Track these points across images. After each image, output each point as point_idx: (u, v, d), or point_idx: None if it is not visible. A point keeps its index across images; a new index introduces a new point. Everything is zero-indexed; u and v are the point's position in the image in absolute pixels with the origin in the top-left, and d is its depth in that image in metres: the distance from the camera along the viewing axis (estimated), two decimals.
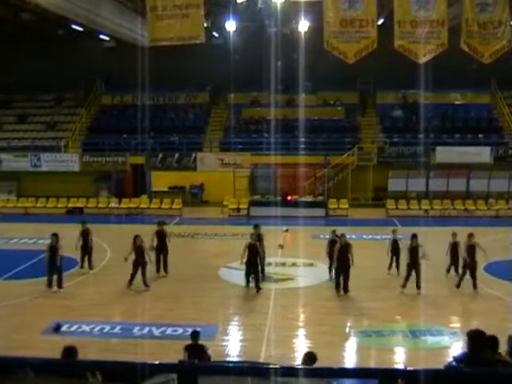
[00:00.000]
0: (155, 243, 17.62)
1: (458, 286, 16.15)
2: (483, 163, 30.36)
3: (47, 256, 16.16)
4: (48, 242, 16.55)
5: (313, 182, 30.34)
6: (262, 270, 17.04)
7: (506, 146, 31.71)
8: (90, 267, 18.26)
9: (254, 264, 16.26)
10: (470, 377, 3.78)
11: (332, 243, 16.91)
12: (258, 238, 16.78)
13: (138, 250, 16.30)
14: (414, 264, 15.72)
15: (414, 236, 15.95)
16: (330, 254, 16.90)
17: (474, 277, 15.91)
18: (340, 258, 15.80)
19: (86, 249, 18.21)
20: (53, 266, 16.08)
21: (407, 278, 15.83)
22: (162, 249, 17.77)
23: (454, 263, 17.18)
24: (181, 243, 22.85)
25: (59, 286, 16.19)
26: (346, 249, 15.79)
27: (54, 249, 16.07)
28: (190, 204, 31.14)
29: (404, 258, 16.53)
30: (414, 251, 15.73)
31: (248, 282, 16.30)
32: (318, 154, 31.04)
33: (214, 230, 25.30)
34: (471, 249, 15.92)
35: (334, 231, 17.64)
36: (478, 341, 6.10)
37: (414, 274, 15.83)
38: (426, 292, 15.74)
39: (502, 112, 34.45)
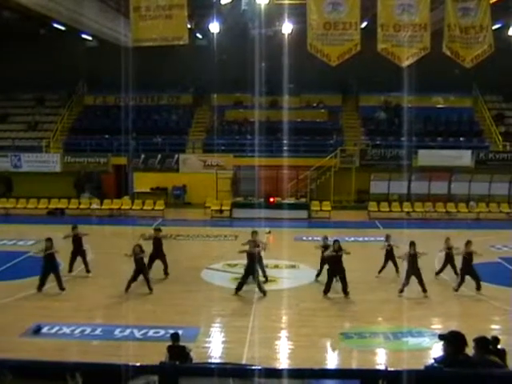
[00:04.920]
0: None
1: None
2: (464, 166, 30.67)
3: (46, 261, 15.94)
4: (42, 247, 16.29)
5: (295, 184, 30.41)
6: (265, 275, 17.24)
7: (487, 150, 32.07)
8: (87, 270, 17.98)
9: (253, 271, 16.08)
10: (450, 377, 3.81)
11: (324, 249, 16.88)
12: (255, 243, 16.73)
13: (138, 260, 16.00)
14: (414, 270, 15.83)
15: (413, 243, 16.01)
16: (322, 260, 16.87)
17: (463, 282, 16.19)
18: (334, 263, 15.83)
19: (78, 253, 17.89)
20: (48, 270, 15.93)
21: (406, 284, 15.92)
22: (158, 255, 17.55)
23: (452, 267, 17.38)
24: (163, 245, 22.74)
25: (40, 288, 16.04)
26: (338, 253, 15.79)
27: (51, 255, 15.89)
28: (173, 205, 31.03)
29: (400, 263, 16.70)
30: (413, 258, 15.80)
31: (240, 288, 16.03)
32: (301, 156, 31.11)
33: (196, 232, 25.23)
34: (469, 256, 16.10)
35: (325, 238, 17.56)
36: (456, 342, 6.14)
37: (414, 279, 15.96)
38: (408, 294, 15.82)
39: (483, 116, 34.83)
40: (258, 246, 16.61)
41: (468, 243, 16.26)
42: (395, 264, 17.54)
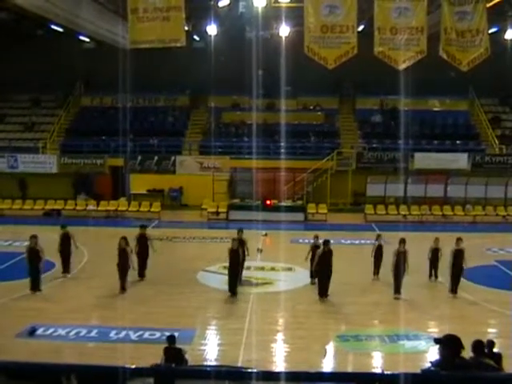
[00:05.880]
0: (137, 247, 17.45)
1: (453, 291, 16.26)
2: (461, 169, 30.72)
3: (27, 258, 15.90)
4: (26, 244, 16.29)
5: (292, 186, 30.39)
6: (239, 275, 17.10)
7: (483, 153, 32.14)
8: (67, 271, 17.95)
9: (235, 269, 16.16)
10: (447, 381, 3.80)
11: (314, 248, 16.86)
12: (240, 242, 16.69)
13: (122, 252, 16.11)
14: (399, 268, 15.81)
15: (403, 240, 16.01)
16: (312, 260, 16.79)
17: (457, 281, 16.12)
18: (322, 265, 15.79)
19: (65, 253, 17.87)
20: (33, 268, 15.85)
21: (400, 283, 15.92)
22: (143, 253, 17.58)
23: (434, 268, 17.41)
24: (159, 246, 22.70)
25: (37, 288, 15.98)
26: (328, 255, 15.78)
27: (33, 251, 15.83)
28: (169, 207, 31.00)
29: (389, 263, 16.62)
30: (401, 256, 15.80)
31: (234, 289, 16.04)
32: (298, 159, 31.12)
33: (192, 234, 25.21)
34: (459, 253, 16.04)
35: (316, 236, 17.57)
36: (452, 346, 6.13)
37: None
38: (404, 297, 15.84)
39: (479, 119, 34.91)
40: (243, 244, 16.68)
41: (458, 240, 16.22)
42: (378, 265, 17.53)
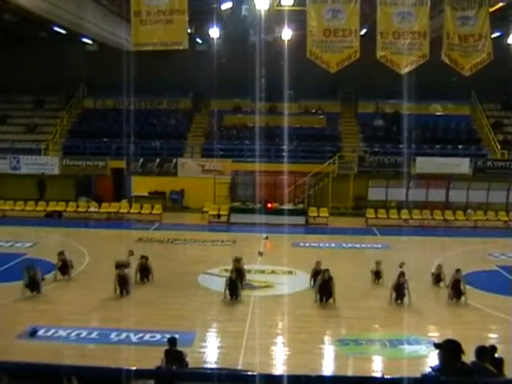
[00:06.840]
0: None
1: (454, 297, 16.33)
2: (462, 174, 30.69)
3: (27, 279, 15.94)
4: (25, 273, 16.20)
5: (293, 189, 30.39)
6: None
7: (485, 158, 32.11)
8: (67, 272, 17.96)
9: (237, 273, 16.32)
10: None
11: (315, 274, 16.82)
12: (237, 271, 16.71)
13: (121, 278, 16.24)
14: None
15: (402, 274, 15.96)
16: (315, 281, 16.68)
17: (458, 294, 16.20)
18: (322, 292, 15.85)
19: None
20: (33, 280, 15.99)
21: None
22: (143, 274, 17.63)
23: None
24: (160, 249, 22.75)
25: (38, 290, 16.04)
26: (328, 283, 15.77)
27: (33, 279, 15.92)
28: (170, 210, 30.99)
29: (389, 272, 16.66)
30: (401, 286, 15.84)
31: (235, 293, 16.14)
32: (299, 162, 31.13)
33: (193, 236, 25.18)
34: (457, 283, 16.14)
35: (318, 262, 17.34)
36: (452, 350, 6.14)
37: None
38: (405, 301, 15.82)
39: (481, 124, 34.89)
40: (241, 274, 16.76)
41: (458, 271, 16.20)
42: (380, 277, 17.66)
